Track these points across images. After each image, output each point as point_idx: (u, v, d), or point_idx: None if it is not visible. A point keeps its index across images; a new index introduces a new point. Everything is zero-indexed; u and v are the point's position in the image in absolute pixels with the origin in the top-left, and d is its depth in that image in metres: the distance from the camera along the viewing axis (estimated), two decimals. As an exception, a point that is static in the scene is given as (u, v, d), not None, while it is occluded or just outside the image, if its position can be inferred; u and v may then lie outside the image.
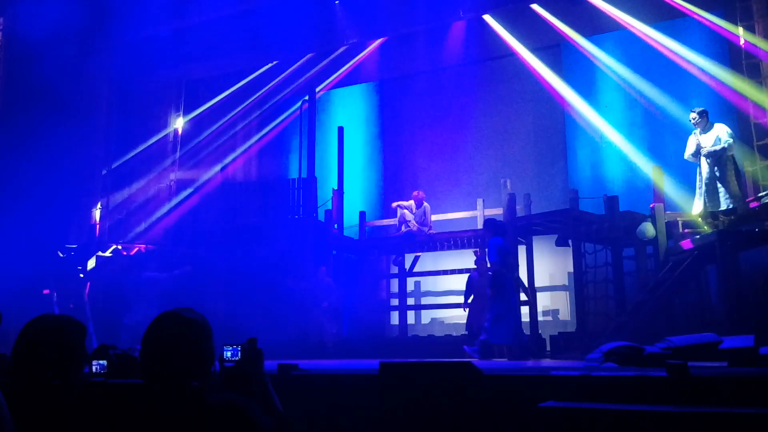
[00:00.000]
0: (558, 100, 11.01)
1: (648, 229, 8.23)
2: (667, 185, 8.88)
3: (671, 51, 9.91)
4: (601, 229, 8.61)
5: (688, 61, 9.74)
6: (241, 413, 1.85)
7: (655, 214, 8.34)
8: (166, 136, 12.07)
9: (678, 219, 8.36)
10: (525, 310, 9.34)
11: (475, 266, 8.80)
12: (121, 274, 10.45)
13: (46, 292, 10.15)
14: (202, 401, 1.84)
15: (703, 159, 7.71)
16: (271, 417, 2.16)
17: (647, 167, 9.40)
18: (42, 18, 9.98)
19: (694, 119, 7.84)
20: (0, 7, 10.62)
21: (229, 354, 2.50)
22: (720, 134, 7.63)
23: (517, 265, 7.68)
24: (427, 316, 11.87)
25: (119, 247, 10.92)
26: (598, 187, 10.30)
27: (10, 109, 10.51)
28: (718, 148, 7.58)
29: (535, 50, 11.26)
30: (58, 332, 2.17)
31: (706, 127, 7.77)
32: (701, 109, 7.86)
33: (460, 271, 10.65)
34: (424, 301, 11.88)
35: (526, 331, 9.20)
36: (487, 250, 7.40)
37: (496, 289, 6.97)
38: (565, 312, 10.94)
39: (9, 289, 9.52)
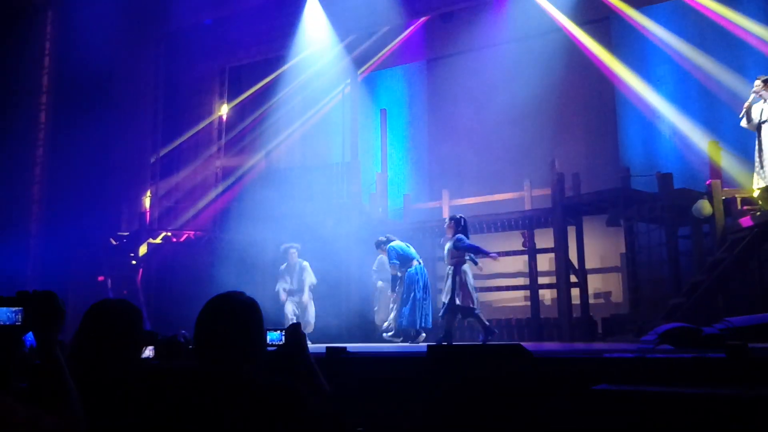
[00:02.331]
0: (608, 75, 10.67)
1: (704, 206, 7.93)
2: (724, 160, 8.53)
3: (727, 20, 9.47)
4: (655, 208, 8.35)
5: (746, 31, 9.30)
6: (292, 395, 1.88)
7: (712, 191, 8.02)
8: (211, 123, 12.23)
9: (736, 195, 8.01)
10: (575, 293, 9.20)
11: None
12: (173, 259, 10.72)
13: (100, 278, 10.47)
14: (254, 383, 1.87)
15: (763, 130, 7.36)
16: (319, 398, 2.20)
17: (703, 142, 9.04)
18: (90, 10, 10.20)
19: (758, 86, 7.48)
20: (49, 2, 10.89)
21: (275, 337, 2.52)
22: None
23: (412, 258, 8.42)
24: (474, 299, 11.76)
25: (169, 233, 11.17)
26: (650, 164, 9.95)
27: (61, 101, 10.83)
28: None
29: (582, 24, 10.92)
30: (120, 316, 2.23)
31: None
32: (767, 77, 7.49)
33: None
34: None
35: (576, 313, 9.09)
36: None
37: (404, 285, 8.24)
38: (618, 294, 10.68)
39: (65, 276, 9.87)
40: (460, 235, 7.81)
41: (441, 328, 8.18)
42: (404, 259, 8.36)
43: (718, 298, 7.55)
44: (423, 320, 8.17)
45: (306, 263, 8.94)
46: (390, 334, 8.51)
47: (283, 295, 8.70)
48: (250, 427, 1.80)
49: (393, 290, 8.45)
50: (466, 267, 7.78)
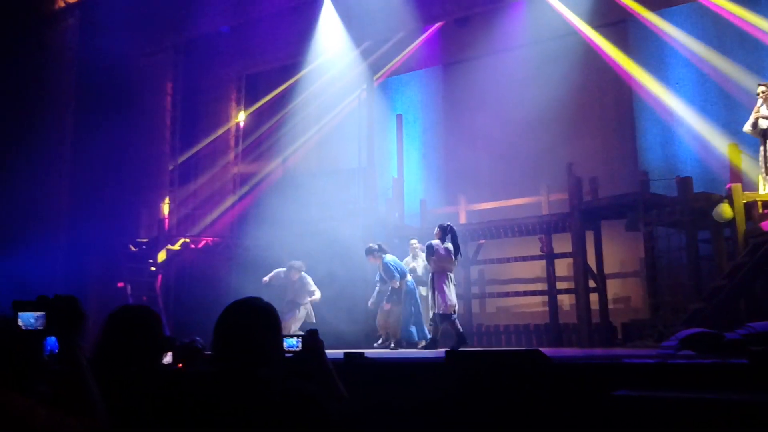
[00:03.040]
0: (625, 79, 10.59)
1: (725, 210, 7.83)
2: (744, 163, 8.40)
3: (746, 22, 9.38)
4: (674, 212, 8.26)
5: (765, 32, 9.19)
6: (312, 400, 1.89)
7: (732, 195, 7.92)
8: (228, 130, 12.31)
9: (757, 199, 7.90)
10: (594, 298, 9.13)
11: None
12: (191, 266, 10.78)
13: (120, 285, 10.57)
14: (272, 388, 1.88)
15: None
16: (337, 403, 2.21)
17: (723, 145, 8.94)
18: (109, 20, 10.34)
19: (763, 92, 7.41)
20: (70, 10, 11.06)
21: (291, 343, 2.51)
22: None
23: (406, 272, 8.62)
24: (492, 305, 11.72)
25: (187, 240, 11.25)
26: (669, 167, 9.85)
27: (83, 110, 10.96)
28: None
29: (599, 27, 10.85)
30: (141, 322, 2.26)
31: None
32: None
33: (525, 259, 10.47)
34: (489, 290, 11.72)
35: (595, 318, 9.03)
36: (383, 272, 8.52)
37: (407, 298, 8.41)
38: (638, 299, 10.57)
39: (86, 282, 9.98)
40: (432, 243, 8.04)
41: (446, 336, 8.24)
42: (402, 273, 8.53)
43: (739, 303, 7.44)
44: (423, 331, 8.44)
45: (309, 278, 8.98)
46: (391, 345, 8.51)
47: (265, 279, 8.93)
48: (269, 431, 1.81)
49: (388, 301, 8.52)
50: (450, 274, 8.01)
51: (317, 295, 8.91)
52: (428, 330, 8.35)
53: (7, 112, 10.67)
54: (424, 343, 8.24)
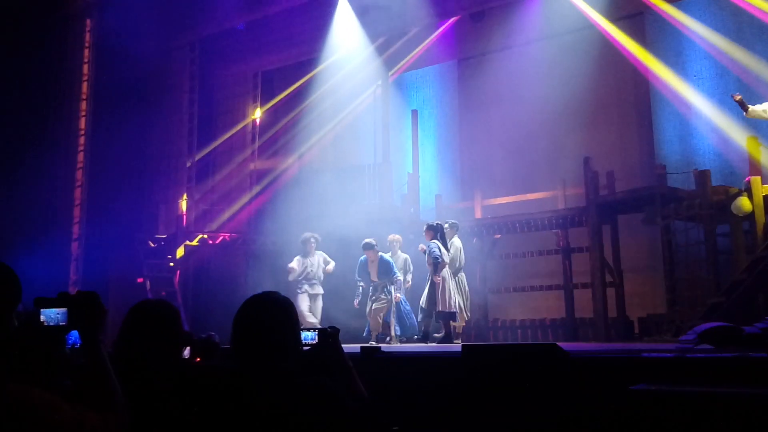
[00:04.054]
0: (642, 72, 10.49)
1: (743, 203, 7.76)
2: (764, 156, 8.30)
3: (766, 14, 9.24)
4: (692, 206, 8.20)
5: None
6: (331, 396, 1.90)
7: (751, 188, 7.84)
8: (245, 126, 12.38)
9: (777, 192, 7.83)
10: (611, 292, 9.08)
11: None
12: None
13: (139, 280, 10.68)
14: (292, 383, 1.89)
15: None
16: (356, 401, 2.22)
17: (741, 138, 8.84)
18: (126, 18, 10.42)
19: None
20: (88, 8, 11.16)
21: (308, 336, 2.53)
22: None
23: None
24: (508, 299, 11.67)
25: (205, 236, 11.35)
26: (687, 161, 9.79)
27: (100, 107, 11.06)
28: None
29: (616, 20, 10.75)
30: (161, 316, 2.28)
31: None
32: None
33: (541, 253, 10.43)
34: (505, 284, 11.67)
35: (613, 313, 8.98)
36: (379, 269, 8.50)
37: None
38: (655, 293, 10.47)
39: (105, 278, 10.09)
40: (433, 243, 8.14)
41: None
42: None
43: (758, 297, 7.38)
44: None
45: (324, 253, 8.99)
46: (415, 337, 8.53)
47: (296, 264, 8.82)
48: (289, 425, 1.83)
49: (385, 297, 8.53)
50: (446, 272, 8.09)
51: (331, 264, 8.90)
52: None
53: (27, 110, 10.81)
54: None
